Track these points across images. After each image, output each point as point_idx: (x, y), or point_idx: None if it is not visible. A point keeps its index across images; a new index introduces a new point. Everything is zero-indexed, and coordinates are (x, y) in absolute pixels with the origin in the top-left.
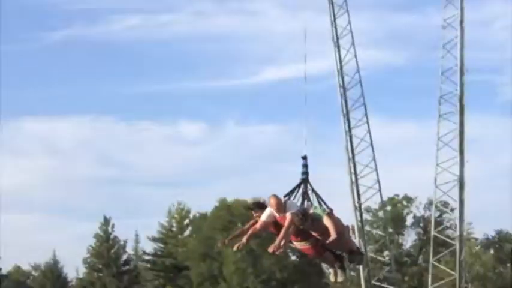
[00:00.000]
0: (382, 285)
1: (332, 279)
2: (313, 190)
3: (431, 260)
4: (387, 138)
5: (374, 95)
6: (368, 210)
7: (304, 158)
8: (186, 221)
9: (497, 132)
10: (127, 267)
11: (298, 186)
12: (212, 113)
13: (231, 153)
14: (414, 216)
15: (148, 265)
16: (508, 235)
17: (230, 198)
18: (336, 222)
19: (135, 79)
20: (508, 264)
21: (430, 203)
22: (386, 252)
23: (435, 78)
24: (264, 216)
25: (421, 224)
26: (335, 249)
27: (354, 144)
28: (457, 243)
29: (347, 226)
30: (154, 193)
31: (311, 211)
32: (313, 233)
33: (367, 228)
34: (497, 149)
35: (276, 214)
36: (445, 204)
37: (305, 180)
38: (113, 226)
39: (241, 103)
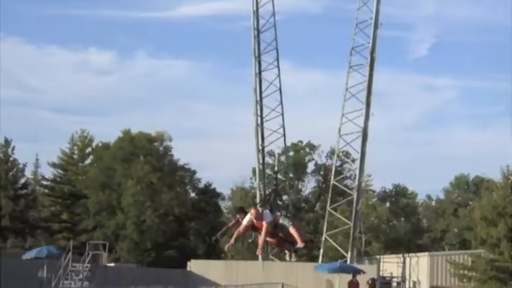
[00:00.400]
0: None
1: (288, 258)
2: (281, 199)
3: (328, 207)
4: (296, 84)
5: (287, 41)
6: (271, 154)
7: (276, 173)
8: (88, 150)
9: (405, 89)
10: (24, 191)
11: (269, 194)
12: (123, 44)
13: (139, 86)
14: (315, 164)
15: (46, 191)
16: (404, 190)
17: (134, 130)
18: (298, 227)
19: (48, 2)
20: (402, 218)
21: (333, 152)
22: (285, 197)
23: (349, 29)
24: (245, 221)
25: (322, 172)
26: (293, 241)
27: (263, 88)
28: (354, 193)
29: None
30: (59, 119)
31: (280, 221)
32: (280, 234)
33: (268, 171)
34: (403, 105)
35: (254, 220)
36: (347, 154)
37: (274, 191)
38: (13, 148)
39: (154, 36)
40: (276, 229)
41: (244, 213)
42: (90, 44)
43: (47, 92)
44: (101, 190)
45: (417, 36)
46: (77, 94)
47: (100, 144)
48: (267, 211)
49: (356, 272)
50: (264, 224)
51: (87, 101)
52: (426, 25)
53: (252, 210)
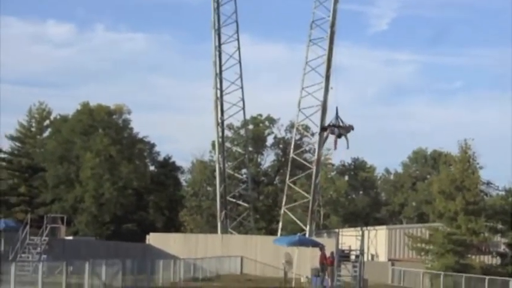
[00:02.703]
0: (238, 202)
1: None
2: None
3: (287, 181)
4: (256, 57)
5: (247, 14)
6: (230, 127)
7: (337, 108)
8: (46, 122)
9: (365, 63)
10: None
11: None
12: (82, 16)
13: (98, 58)
14: (275, 137)
15: (4, 163)
16: (363, 164)
17: (93, 103)
18: (348, 128)
19: None
20: (360, 192)
21: (292, 125)
22: (244, 170)
23: (309, 3)
24: (325, 134)
25: (281, 146)
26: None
27: (223, 61)
28: (313, 167)
29: (350, 126)
30: (16, 91)
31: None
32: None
33: (227, 144)
34: (362, 79)
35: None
36: (306, 127)
37: (337, 115)
38: None
39: (113, 9)
40: (340, 135)
41: (325, 129)
42: (48, 16)
43: (4, 64)
44: (59, 163)
45: (377, 10)
46: (35, 66)
47: (58, 116)
48: (335, 129)
49: (315, 245)
50: (335, 133)
51: (45, 74)
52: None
53: (329, 129)
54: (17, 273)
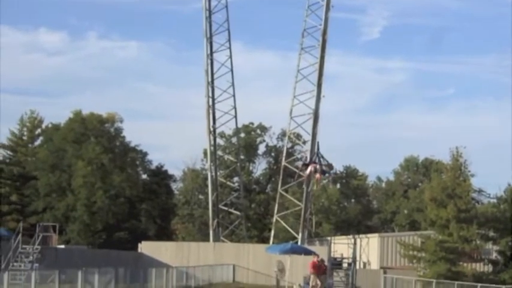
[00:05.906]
0: (230, 210)
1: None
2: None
3: (279, 189)
4: (248, 65)
5: (239, 22)
6: (222, 135)
7: (318, 144)
8: (38, 131)
9: (356, 71)
10: None
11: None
12: (74, 25)
13: (90, 67)
14: (267, 146)
15: None
16: (355, 171)
17: (85, 111)
18: (330, 166)
19: None
20: (352, 200)
21: (284, 133)
22: (236, 178)
23: (301, 11)
24: (308, 171)
25: (273, 154)
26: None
27: (215, 69)
28: (305, 174)
29: (331, 164)
30: (8, 100)
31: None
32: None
33: (219, 153)
34: (354, 87)
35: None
36: (298, 136)
37: (318, 153)
38: None
39: (105, 17)
40: (324, 172)
41: (306, 166)
42: (40, 25)
43: None
44: (51, 171)
45: (369, 19)
46: (27, 74)
47: (50, 125)
48: (318, 166)
49: (308, 253)
50: (318, 171)
51: (37, 82)
52: (378, 8)
53: (311, 167)
54: (9, 282)
